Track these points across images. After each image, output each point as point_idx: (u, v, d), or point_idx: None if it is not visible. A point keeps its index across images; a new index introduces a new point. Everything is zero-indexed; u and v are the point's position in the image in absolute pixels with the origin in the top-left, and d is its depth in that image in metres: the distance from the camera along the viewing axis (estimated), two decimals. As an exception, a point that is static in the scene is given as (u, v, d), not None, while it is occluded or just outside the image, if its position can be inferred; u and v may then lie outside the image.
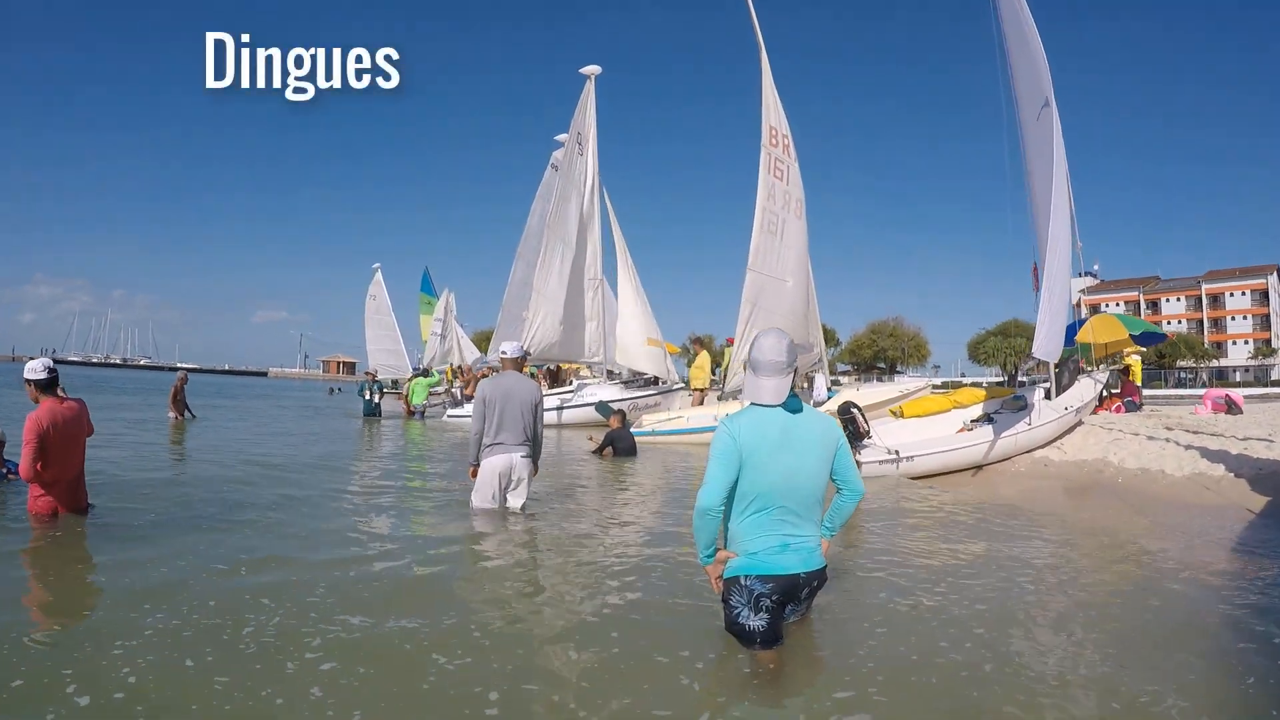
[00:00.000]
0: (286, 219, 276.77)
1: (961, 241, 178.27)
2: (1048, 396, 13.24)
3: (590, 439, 13.51)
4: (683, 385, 20.92)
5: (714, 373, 22.76)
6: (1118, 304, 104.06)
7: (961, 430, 11.82)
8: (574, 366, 31.58)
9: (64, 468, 5.86)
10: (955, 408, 12.53)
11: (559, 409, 19.60)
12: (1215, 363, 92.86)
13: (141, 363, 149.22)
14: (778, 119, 15.46)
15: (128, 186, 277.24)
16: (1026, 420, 11.85)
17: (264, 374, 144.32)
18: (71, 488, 6.00)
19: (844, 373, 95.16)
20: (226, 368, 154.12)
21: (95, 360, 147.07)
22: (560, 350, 20.37)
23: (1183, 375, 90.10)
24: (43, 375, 5.83)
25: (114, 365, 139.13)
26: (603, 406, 16.71)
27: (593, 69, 20.32)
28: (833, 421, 3.72)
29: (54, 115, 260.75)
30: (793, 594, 3.53)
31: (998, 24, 11.94)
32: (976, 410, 12.51)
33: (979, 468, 11.42)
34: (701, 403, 18.50)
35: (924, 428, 11.83)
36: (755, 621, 3.43)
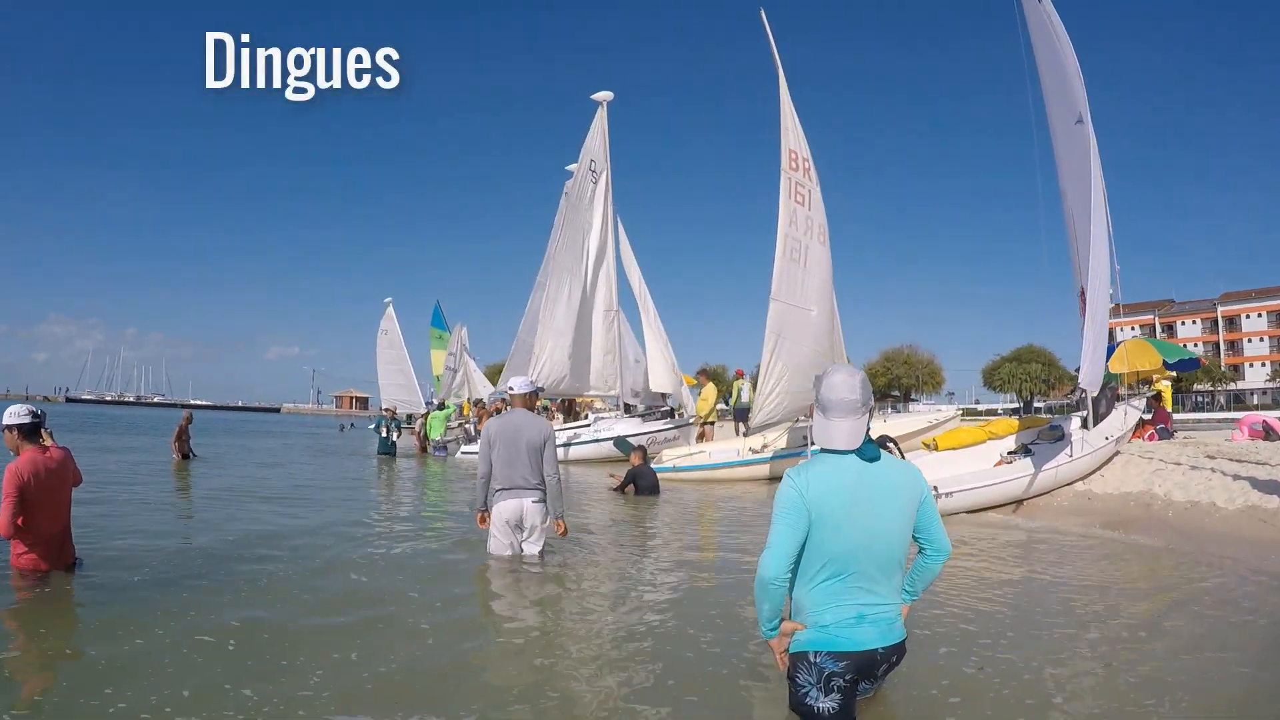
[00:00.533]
0: (299, 254, 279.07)
1: (975, 268, 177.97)
2: (1084, 426, 12.72)
3: (611, 476, 12.98)
4: (694, 419, 20.43)
5: (726, 403, 22.17)
6: (1133, 328, 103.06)
7: (999, 463, 11.25)
8: (588, 400, 31.07)
9: (48, 522, 5.38)
10: (990, 439, 11.99)
11: (568, 444, 19.12)
12: (1232, 386, 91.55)
13: (155, 400, 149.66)
14: (797, 141, 15.08)
15: (137, 223, 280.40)
16: (1067, 452, 11.27)
17: (277, 410, 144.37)
18: (56, 543, 5.51)
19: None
20: (240, 404, 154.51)
21: (109, 398, 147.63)
22: (570, 384, 19.92)
23: (1200, 399, 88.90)
24: (25, 420, 5.37)
25: (127, 403, 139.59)
26: (621, 442, 16.19)
27: (604, 95, 20.11)
28: (916, 470, 3.23)
29: (60, 152, 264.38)
30: (868, 671, 3.05)
31: (1025, 37, 11.56)
32: (1010, 442, 11.99)
33: (1019, 502, 10.86)
34: (703, 436, 18.00)
35: (959, 460, 11.28)
36: (825, 703, 2.97)
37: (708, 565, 7.38)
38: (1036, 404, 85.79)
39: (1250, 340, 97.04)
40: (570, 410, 23.77)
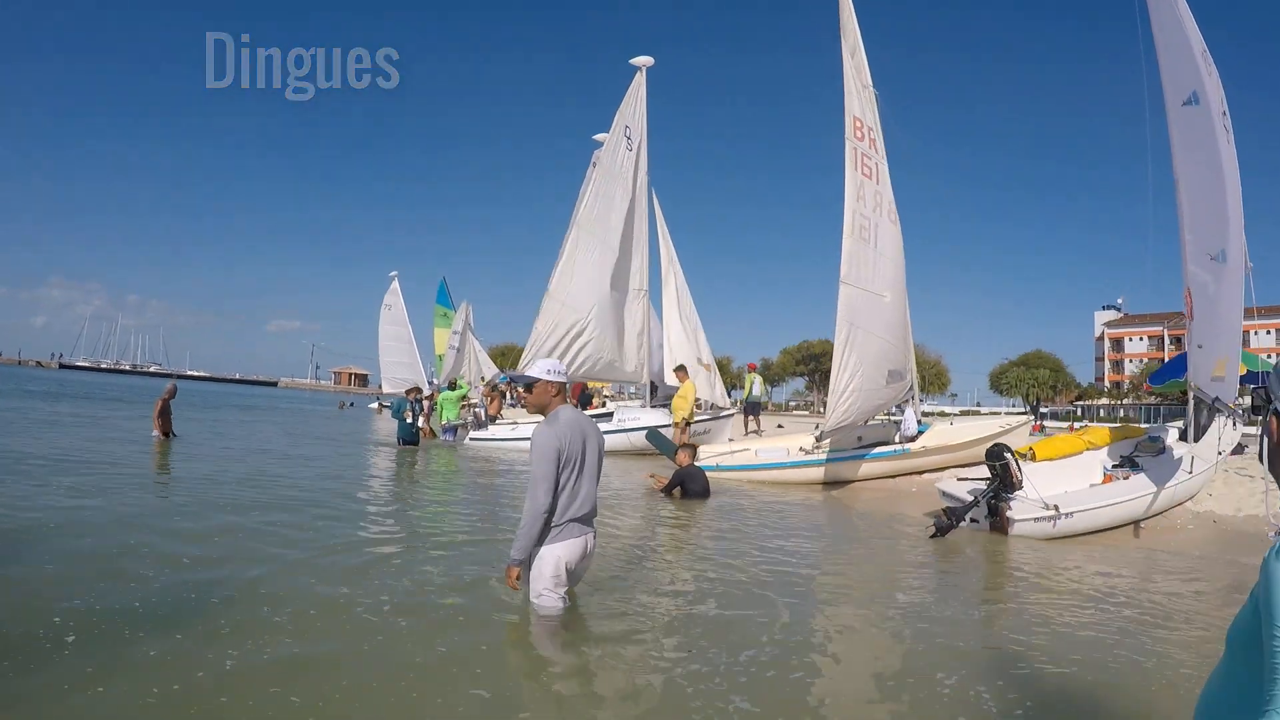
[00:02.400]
0: (303, 226, 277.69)
1: (984, 272, 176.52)
2: (1182, 437, 11.24)
3: (651, 476, 11.44)
4: (733, 412, 18.86)
5: (731, 397, 20.48)
6: (1141, 338, 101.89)
7: (1108, 479, 9.74)
8: (596, 385, 29.40)
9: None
10: (1089, 449, 10.50)
11: None
12: (1243, 400, 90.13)
13: (151, 369, 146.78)
14: (861, 108, 13.50)
15: (145, 190, 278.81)
16: (1186, 468, 9.78)
17: (274, 384, 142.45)
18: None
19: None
20: (237, 376, 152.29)
21: (104, 365, 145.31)
22: (590, 368, 18.28)
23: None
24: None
25: (123, 371, 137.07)
26: (655, 435, 14.58)
27: (644, 60, 18.52)
28: None
29: (74, 122, 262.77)
30: None
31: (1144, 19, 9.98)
32: (1106, 453, 10.53)
33: (1137, 524, 9.36)
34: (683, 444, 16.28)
35: (1059, 473, 9.75)
36: None
37: (783, 580, 5.86)
38: (1043, 410, 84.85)
39: (1269, 357, 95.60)
40: (587, 399, 22.19)
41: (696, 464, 10.96)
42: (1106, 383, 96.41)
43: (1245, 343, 15.02)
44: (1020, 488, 8.38)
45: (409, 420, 16.50)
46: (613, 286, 17.76)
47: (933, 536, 8.12)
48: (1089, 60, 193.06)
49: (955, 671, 4.11)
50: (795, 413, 49.54)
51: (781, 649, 4.40)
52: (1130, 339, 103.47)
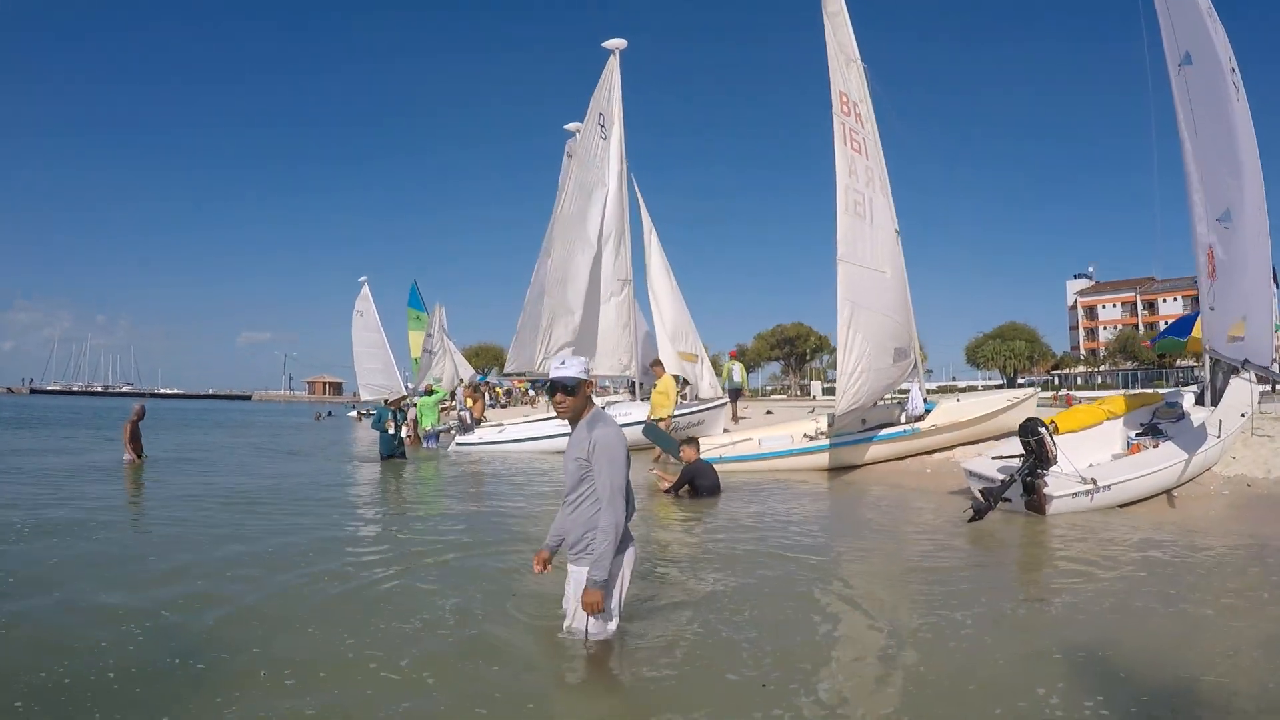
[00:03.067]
0: (269, 235, 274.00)
1: (953, 245, 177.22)
2: (1199, 402, 10.94)
3: (657, 474, 10.89)
4: (725, 400, 18.32)
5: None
6: (1114, 305, 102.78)
7: (1135, 448, 9.36)
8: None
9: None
10: (1109, 418, 10.13)
11: (560, 435, 16.92)
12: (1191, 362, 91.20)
13: (124, 389, 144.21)
14: (846, 82, 13.02)
15: (107, 206, 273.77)
16: (1214, 432, 9.43)
17: (248, 397, 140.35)
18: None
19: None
20: (210, 392, 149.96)
21: (76, 389, 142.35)
22: (585, 363, 17.72)
23: (1183, 374, 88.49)
24: None
25: (94, 393, 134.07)
26: (653, 430, 13.99)
27: (617, 43, 17.92)
28: None
29: (37, 136, 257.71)
30: None
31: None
32: (1125, 422, 10.19)
33: (1169, 493, 8.98)
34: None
35: (1082, 445, 9.36)
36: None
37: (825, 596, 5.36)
38: (1020, 380, 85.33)
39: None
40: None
41: (702, 457, 10.43)
42: (1082, 351, 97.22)
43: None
44: (1055, 463, 7.95)
45: (390, 432, 14.86)
46: (595, 279, 17.16)
47: (971, 520, 7.66)
48: (1059, 32, 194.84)
49: (1054, 680, 3.64)
50: (773, 397, 49.21)
51: (855, 666, 3.90)
52: (1103, 306, 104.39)
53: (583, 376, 3.93)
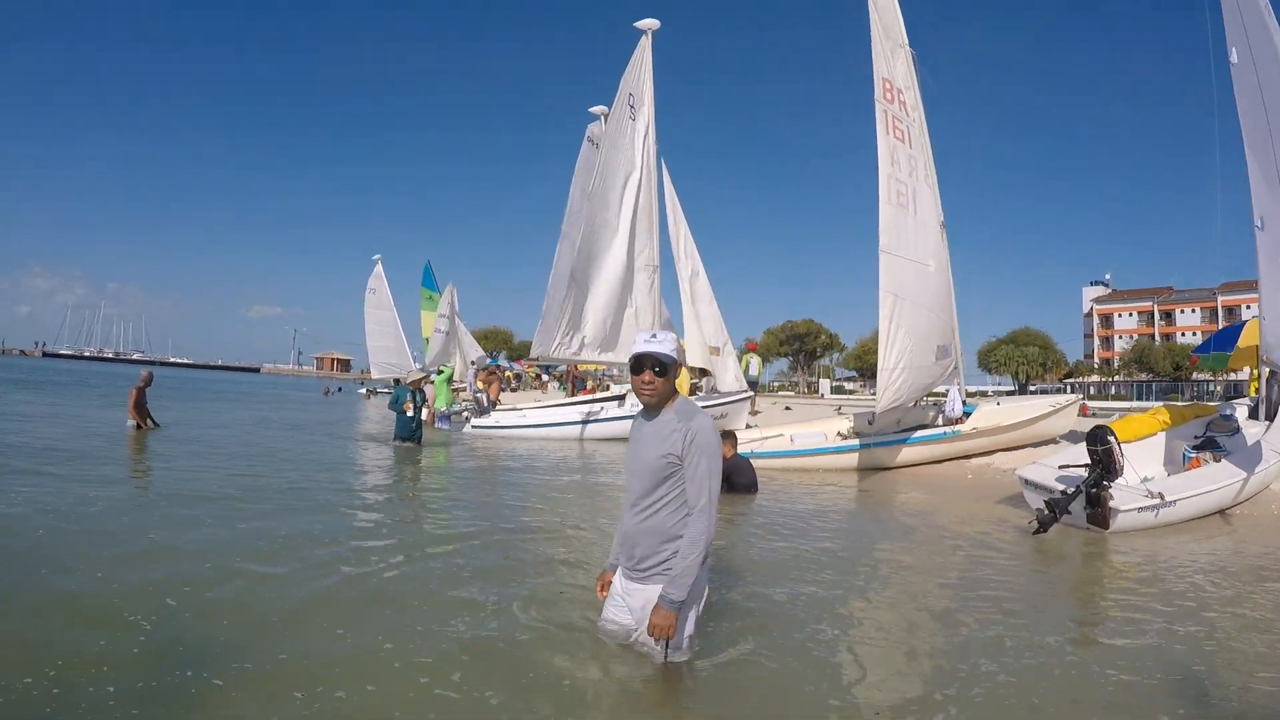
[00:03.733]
0: (284, 211, 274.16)
1: (972, 249, 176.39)
2: (1253, 416, 10.42)
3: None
4: (749, 393, 17.85)
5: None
6: (1130, 314, 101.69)
7: (1195, 463, 8.87)
8: (586, 369, 28.13)
9: None
10: (1163, 429, 9.64)
11: (585, 421, 16.56)
12: (1230, 376, 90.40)
13: (134, 356, 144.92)
14: (890, 69, 12.49)
15: (123, 177, 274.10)
16: (1276, 448, 8.94)
17: (257, 370, 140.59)
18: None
19: (847, 378, 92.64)
20: (219, 363, 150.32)
21: (88, 354, 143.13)
22: (601, 351, 17.24)
23: (1198, 388, 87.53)
24: None
25: (106, 359, 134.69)
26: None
27: (650, 23, 17.36)
28: None
29: (53, 109, 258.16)
30: None
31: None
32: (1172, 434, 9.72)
33: (1223, 511, 8.50)
34: None
35: (1137, 457, 8.88)
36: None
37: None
38: (1031, 387, 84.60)
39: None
40: (573, 380, 21.18)
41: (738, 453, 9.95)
42: (1096, 359, 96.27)
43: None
44: (1121, 474, 7.46)
45: (409, 414, 13.22)
46: (621, 264, 16.68)
47: (1036, 532, 7.20)
48: (1077, 39, 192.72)
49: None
50: (781, 394, 48.70)
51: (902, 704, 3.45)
52: (1119, 315, 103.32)
53: (676, 356, 3.39)
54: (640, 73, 17.23)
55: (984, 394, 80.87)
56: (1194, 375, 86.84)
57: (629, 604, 3.49)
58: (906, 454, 12.23)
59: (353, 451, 14.05)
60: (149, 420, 14.10)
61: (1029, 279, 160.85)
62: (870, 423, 12.04)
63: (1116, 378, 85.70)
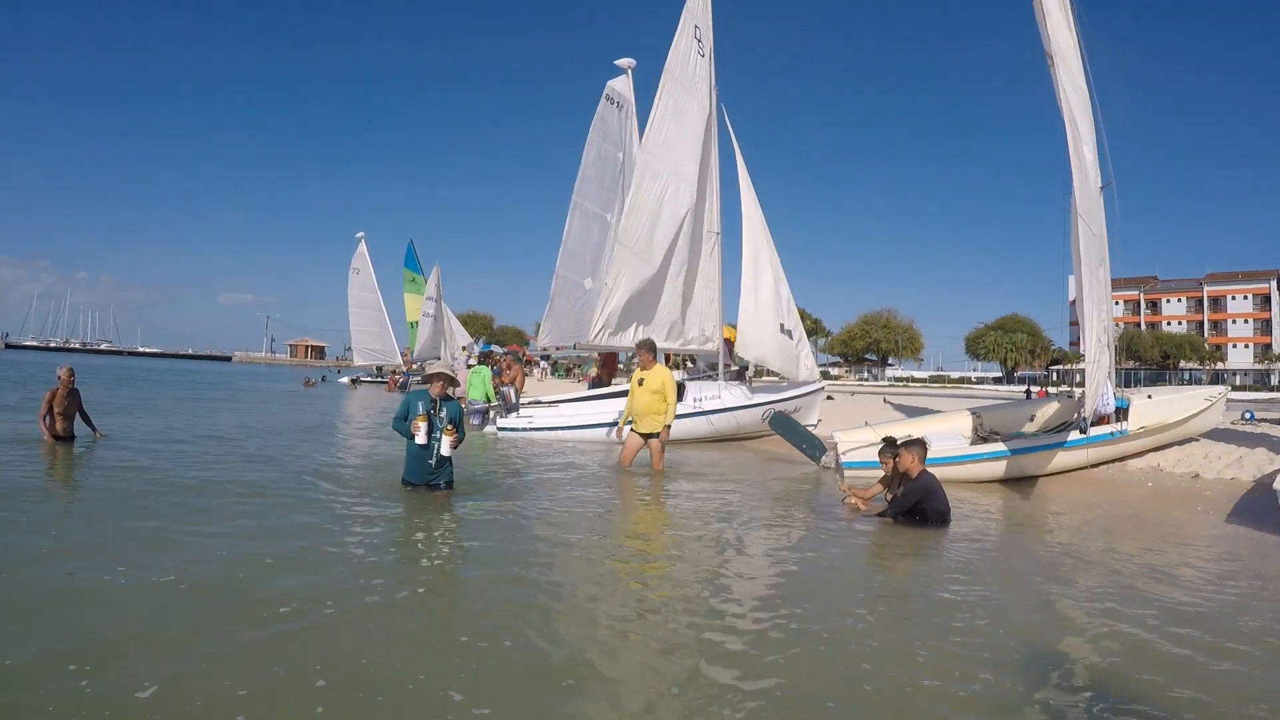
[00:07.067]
0: (255, 193, 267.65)
1: (958, 234, 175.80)
2: None
3: (847, 490, 7.79)
4: (822, 385, 15.39)
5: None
6: (1117, 303, 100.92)
7: None
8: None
9: None
10: None
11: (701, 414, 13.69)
12: (1216, 365, 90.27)
13: (102, 347, 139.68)
14: (1055, 39, 10.04)
15: (89, 161, 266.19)
16: None
17: (228, 359, 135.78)
18: None
19: (833, 364, 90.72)
20: (190, 351, 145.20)
21: (53, 344, 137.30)
22: (665, 337, 14.37)
23: (1185, 377, 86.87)
24: None
25: (73, 350, 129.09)
26: (782, 420, 10.85)
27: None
28: None
29: (13, 90, 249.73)
30: None
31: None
32: None
33: None
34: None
35: None
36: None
37: None
38: (1017, 374, 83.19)
39: (1235, 322, 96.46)
40: (611, 368, 18.52)
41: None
42: (1082, 347, 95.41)
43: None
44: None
45: (421, 443, 7.02)
46: (688, 229, 13.99)
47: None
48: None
49: None
50: (766, 379, 45.78)
51: None
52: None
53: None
54: (703, 5, 14.49)
55: (967, 380, 79.09)
56: (1180, 364, 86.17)
57: None
58: (1062, 459, 9.85)
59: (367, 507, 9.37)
60: (91, 428, 10.50)
61: (1014, 267, 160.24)
62: (1082, 428, 9.53)
63: None
